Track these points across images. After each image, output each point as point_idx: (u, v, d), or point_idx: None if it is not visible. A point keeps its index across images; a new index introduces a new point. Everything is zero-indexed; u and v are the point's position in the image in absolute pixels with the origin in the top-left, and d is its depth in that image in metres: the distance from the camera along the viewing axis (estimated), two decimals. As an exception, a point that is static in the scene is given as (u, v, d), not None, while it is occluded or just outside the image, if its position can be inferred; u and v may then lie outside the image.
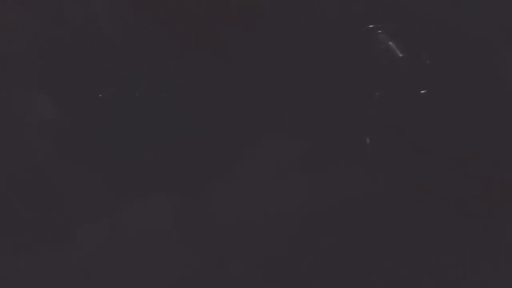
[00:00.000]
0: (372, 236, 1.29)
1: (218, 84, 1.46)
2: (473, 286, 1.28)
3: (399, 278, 1.28)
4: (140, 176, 1.35)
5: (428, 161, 1.36)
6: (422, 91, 1.40)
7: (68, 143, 1.36)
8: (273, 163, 0.97)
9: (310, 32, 1.48)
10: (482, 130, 1.40)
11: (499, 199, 1.34)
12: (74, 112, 1.40)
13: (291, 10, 1.50)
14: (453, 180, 1.35)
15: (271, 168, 0.96)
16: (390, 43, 1.42)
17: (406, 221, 1.32)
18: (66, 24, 1.43)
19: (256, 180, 0.95)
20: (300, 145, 1.01)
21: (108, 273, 0.89)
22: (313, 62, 1.46)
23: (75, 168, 1.33)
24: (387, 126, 1.39)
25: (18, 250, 1.15)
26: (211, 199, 0.94)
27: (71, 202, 1.28)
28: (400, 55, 1.41)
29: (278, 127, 1.39)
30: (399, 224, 1.32)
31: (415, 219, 1.32)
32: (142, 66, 1.47)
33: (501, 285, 1.27)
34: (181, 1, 1.50)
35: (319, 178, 0.97)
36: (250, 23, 1.50)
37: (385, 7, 1.47)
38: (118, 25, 1.50)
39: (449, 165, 1.36)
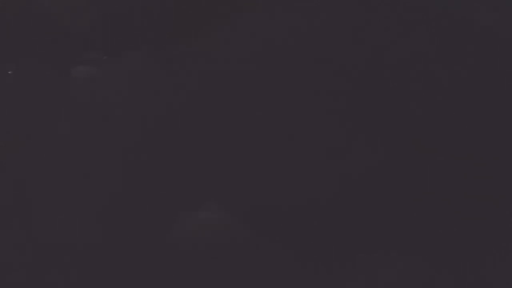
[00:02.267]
0: (372, 235, 1.29)
1: (218, 84, 1.46)
2: (472, 285, 1.28)
3: (400, 278, 1.28)
4: (144, 176, 1.35)
5: (428, 160, 1.36)
6: (425, 88, 1.40)
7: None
8: (275, 161, 0.96)
9: (310, 32, 1.48)
10: (482, 130, 1.40)
11: (499, 199, 1.34)
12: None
13: (291, 10, 1.51)
14: (453, 180, 1.35)
15: (275, 164, 0.95)
16: (391, 40, 1.43)
17: (406, 221, 1.32)
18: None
19: (266, 175, 0.94)
20: (303, 143, 1.00)
21: (113, 274, 0.88)
22: (314, 61, 1.47)
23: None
24: (390, 123, 1.39)
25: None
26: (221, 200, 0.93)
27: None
28: (400, 52, 1.42)
29: (279, 125, 1.39)
30: (399, 224, 1.32)
31: (415, 219, 1.32)
32: (139, 63, 1.47)
33: (501, 285, 1.27)
34: (181, 1, 1.52)
35: (322, 175, 0.97)
36: (247, 22, 1.50)
37: (385, 7, 1.47)
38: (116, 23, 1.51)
39: (449, 165, 1.36)
